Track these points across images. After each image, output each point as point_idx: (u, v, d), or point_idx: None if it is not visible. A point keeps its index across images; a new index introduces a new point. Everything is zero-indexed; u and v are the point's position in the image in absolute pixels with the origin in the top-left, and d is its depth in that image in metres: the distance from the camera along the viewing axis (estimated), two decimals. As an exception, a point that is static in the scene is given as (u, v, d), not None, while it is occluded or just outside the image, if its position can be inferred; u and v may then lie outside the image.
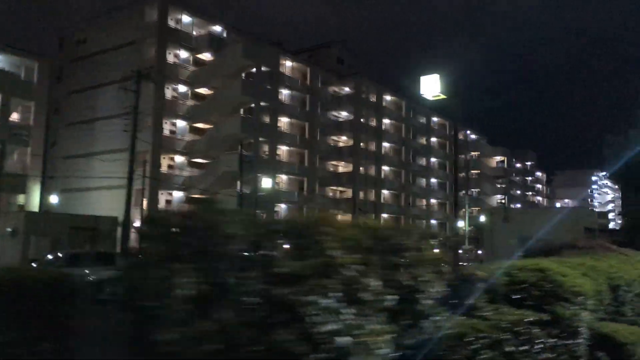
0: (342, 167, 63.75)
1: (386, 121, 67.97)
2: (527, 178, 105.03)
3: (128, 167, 34.44)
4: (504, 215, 34.84)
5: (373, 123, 65.43)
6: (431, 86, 12.80)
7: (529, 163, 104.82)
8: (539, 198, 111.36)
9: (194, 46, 47.30)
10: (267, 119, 51.91)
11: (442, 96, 13.31)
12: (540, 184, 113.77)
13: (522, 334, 6.29)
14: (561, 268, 7.70)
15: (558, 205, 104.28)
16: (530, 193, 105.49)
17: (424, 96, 13.46)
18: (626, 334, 7.73)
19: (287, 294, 4.03)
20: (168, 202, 46.00)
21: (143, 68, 36.45)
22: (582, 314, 7.08)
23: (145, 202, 43.11)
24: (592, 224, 34.81)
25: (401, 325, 5.42)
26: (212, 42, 47.33)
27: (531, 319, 6.51)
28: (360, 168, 63.24)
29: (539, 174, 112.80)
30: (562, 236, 17.08)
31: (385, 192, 67.38)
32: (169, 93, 46.62)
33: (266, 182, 39.55)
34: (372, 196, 64.88)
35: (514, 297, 6.88)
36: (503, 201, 78.60)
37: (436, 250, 6.51)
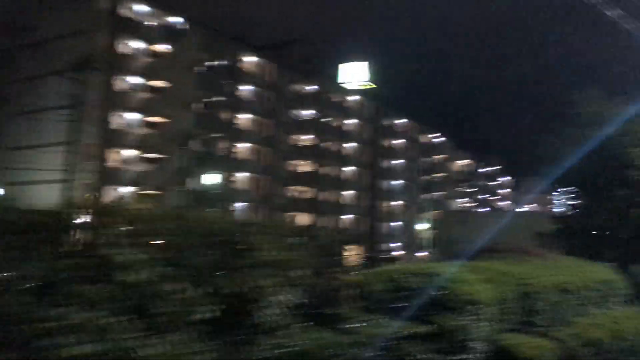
0: (304, 166, 62.83)
1: (351, 121, 67.30)
2: (492, 182, 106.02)
3: (67, 160, 32.88)
4: (458, 218, 34.42)
5: (337, 123, 64.68)
6: (357, 74, 11.90)
7: (495, 168, 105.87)
8: (504, 202, 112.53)
9: (149, 37, 45.62)
10: (225, 115, 50.62)
11: (371, 85, 12.40)
12: (505, 188, 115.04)
13: (393, 349, 5.40)
14: (459, 274, 6.87)
15: (521, 209, 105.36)
16: (495, 197, 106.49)
17: (344, 85, 12.57)
18: (529, 347, 6.94)
19: (8, 305, 2.99)
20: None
21: (88, 56, 34.67)
22: (474, 325, 6.23)
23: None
24: (545, 227, 34.67)
25: (229, 343, 4.44)
26: (169, 34, 45.77)
27: (408, 331, 5.62)
28: (323, 168, 62.45)
29: (505, 178, 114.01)
30: (513, 239, 16.53)
31: (347, 193, 66.69)
32: (121, 85, 44.87)
33: (211, 178, 38.18)
34: (334, 197, 64.17)
35: (395, 306, 6.00)
36: (467, 205, 79.02)
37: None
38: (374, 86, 11.70)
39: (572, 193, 13.49)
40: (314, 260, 5.57)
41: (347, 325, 5.39)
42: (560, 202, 14.73)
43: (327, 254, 6.07)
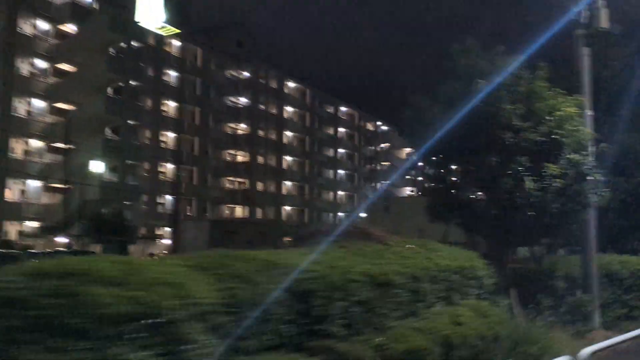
0: (241, 156, 59.93)
1: (289, 109, 64.72)
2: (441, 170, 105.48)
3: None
4: (384, 205, 32.49)
5: (274, 110, 61.98)
6: (153, 13, 9.43)
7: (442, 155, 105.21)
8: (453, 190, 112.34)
9: (55, 16, 41.69)
10: (147, 102, 47.18)
11: (172, 29, 9.87)
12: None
13: None
14: (158, 270, 4.38)
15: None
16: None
17: (142, 25, 10.09)
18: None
19: None
20: (23, 192, 40.34)
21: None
22: (129, 355, 3.73)
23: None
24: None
25: None
26: (77, 12, 41.92)
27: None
28: (260, 158, 59.71)
29: (453, 166, 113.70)
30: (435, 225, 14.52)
31: (287, 183, 64.18)
32: (24, 68, 40.84)
33: (97, 167, 34.91)
34: (273, 188, 61.57)
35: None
36: (412, 193, 77.87)
37: None
38: (177, 31, 9.40)
39: (439, 163, 11.35)
40: None
41: None
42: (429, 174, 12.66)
43: None
